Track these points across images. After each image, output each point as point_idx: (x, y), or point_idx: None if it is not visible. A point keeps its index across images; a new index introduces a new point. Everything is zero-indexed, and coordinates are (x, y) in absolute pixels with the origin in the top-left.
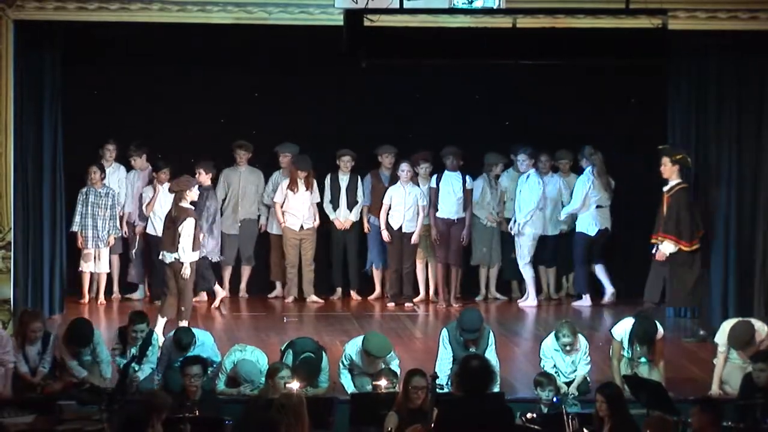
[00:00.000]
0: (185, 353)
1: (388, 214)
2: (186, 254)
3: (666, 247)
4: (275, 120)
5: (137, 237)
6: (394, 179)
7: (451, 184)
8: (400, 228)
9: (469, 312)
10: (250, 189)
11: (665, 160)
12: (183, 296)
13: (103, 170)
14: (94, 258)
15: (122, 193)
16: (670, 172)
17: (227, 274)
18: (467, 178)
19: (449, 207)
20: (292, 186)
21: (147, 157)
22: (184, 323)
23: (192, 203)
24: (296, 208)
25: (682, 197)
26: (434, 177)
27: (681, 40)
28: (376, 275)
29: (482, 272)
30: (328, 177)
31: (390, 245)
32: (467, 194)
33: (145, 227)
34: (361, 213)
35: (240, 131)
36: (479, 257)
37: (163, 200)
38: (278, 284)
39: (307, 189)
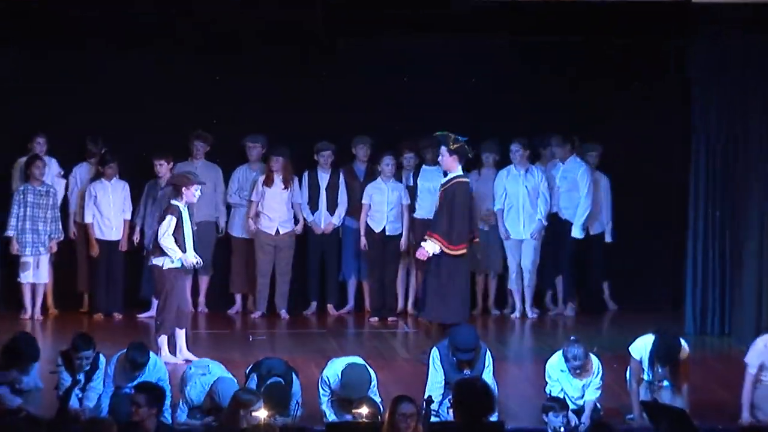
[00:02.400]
0: (137, 375)
1: (367, 215)
2: (164, 258)
3: (429, 246)
4: (238, 108)
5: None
6: (370, 175)
7: (431, 180)
8: (383, 231)
9: (462, 329)
10: (207, 187)
11: (442, 149)
12: (160, 306)
13: (44, 164)
14: (33, 266)
15: (59, 192)
16: (449, 163)
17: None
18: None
19: (429, 206)
20: (268, 181)
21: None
22: (162, 339)
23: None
24: (272, 208)
25: (458, 192)
26: (410, 174)
27: (705, 14)
28: (351, 286)
29: (478, 281)
30: (305, 175)
31: (370, 252)
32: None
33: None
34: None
35: (197, 120)
36: (472, 264)
37: (112, 199)
38: (238, 297)
39: (285, 186)
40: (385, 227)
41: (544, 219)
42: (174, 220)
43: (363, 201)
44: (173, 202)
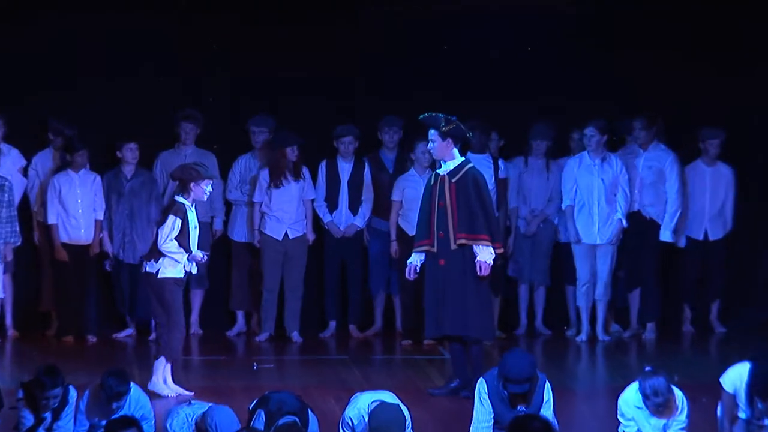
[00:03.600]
0: (114, 408)
1: (399, 215)
2: (163, 265)
3: (486, 254)
4: (239, 84)
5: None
6: (401, 165)
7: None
8: None
9: (514, 354)
10: None
11: (432, 134)
12: (161, 324)
13: None
14: None
15: (18, 186)
16: (442, 149)
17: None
18: (500, 163)
19: None
20: (276, 176)
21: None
22: (160, 365)
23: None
24: (280, 208)
25: (481, 181)
26: None
27: None
28: (378, 303)
29: (522, 294)
30: (322, 165)
31: (402, 260)
32: (501, 186)
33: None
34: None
35: (186, 98)
36: (519, 272)
37: (80, 194)
38: (240, 316)
39: (296, 179)
40: None
41: (624, 219)
42: (178, 222)
43: (393, 197)
44: (178, 199)
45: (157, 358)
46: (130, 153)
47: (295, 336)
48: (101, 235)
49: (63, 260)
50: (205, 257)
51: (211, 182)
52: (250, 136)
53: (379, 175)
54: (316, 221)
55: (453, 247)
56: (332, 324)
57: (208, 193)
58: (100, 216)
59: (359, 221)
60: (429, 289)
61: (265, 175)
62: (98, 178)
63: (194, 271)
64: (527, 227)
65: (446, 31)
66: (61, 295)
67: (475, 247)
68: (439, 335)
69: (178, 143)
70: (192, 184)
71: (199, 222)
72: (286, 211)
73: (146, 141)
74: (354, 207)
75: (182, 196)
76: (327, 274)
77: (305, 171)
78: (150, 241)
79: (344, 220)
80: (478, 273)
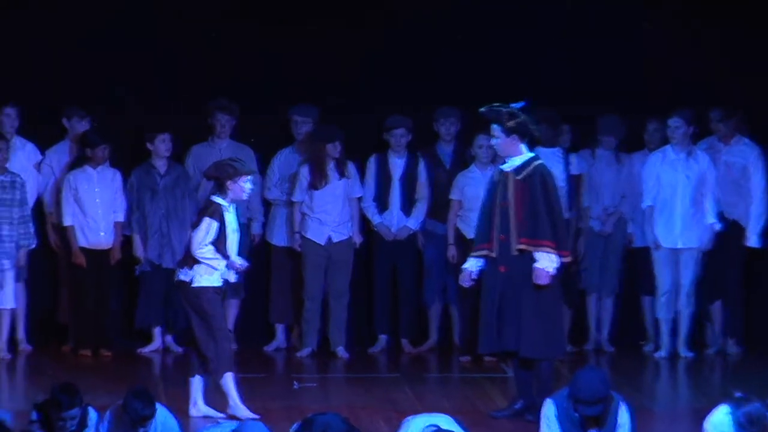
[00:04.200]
0: (140, 431)
1: (457, 216)
2: (198, 272)
3: (547, 261)
4: (277, 69)
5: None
6: (460, 160)
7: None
8: None
9: (587, 373)
10: None
11: (495, 129)
12: (202, 339)
13: (8, 146)
14: None
15: (33, 184)
16: (507, 146)
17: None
18: (573, 157)
19: None
20: (318, 173)
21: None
22: (227, 380)
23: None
24: (323, 209)
25: (548, 179)
26: None
27: None
28: (434, 314)
29: (590, 304)
30: (372, 161)
31: (461, 266)
32: (575, 183)
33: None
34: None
35: (220, 86)
36: (587, 280)
37: (99, 192)
38: (280, 329)
39: (340, 176)
40: None
41: (717, 222)
42: (215, 225)
43: (451, 196)
44: (215, 199)
45: (192, 376)
46: (163, 145)
47: (341, 351)
48: (130, 237)
49: (81, 265)
50: (245, 264)
51: (251, 178)
52: (291, 126)
53: (435, 172)
54: (364, 223)
55: (514, 252)
56: (382, 338)
57: (249, 191)
58: (121, 217)
59: (413, 223)
60: (487, 299)
61: (305, 171)
62: (118, 174)
63: (233, 279)
64: (602, 226)
65: (505, 14)
66: (77, 305)
67: (535, 253)
68: (496, 350)
69: (211, 136)
70: (229, 182)
71: None
72: (329, 212)
73: (175, 133)
74: (407, 207)
75: (219, 196)
76: (376, 282)
77: (351, 167)
78: (185, 244)
79: (396, 222)
80: (535, 281)
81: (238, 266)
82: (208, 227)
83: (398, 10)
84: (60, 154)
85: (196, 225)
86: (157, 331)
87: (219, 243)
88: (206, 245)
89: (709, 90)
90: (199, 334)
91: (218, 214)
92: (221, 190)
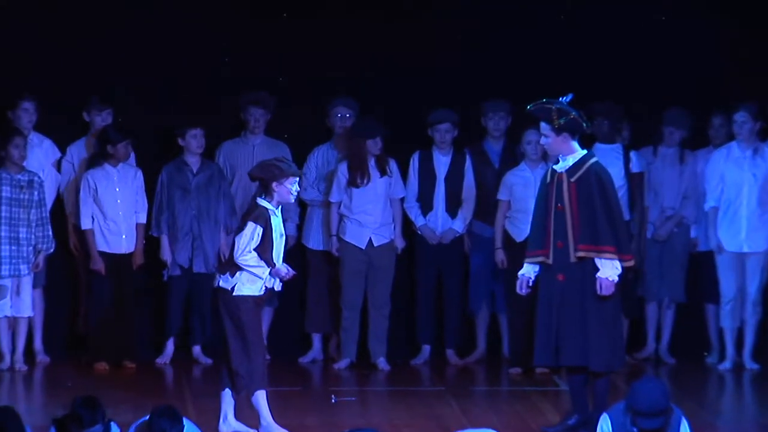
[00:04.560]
0: None
1: (506, 217)
2: (240, 280)
3: (610, 269)
4: (313, 59)
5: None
6: (510, 158)
7: (607, 165)
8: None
9: (646, 384)
10: None
11: (544, 128)
12: (235, 351)
13: (25, 142)
14: (12, 292)
15: (51, 183)
16: (557, 145)
17: None
18: (632, 155)
19: None
20: (357, 172)
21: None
22: (260, 398)
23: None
24: (363, 210)
25: (605, 178)
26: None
27: None
28: (482, 323)
29: (650, 312)
30: (415, 158)
31: (511, 272)
32: (635, 182)
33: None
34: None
35: (253, 77)
36: (646, 287)
37: (120, 193)
38: (316, 339)
39: (381, 175)
40: None
41: None
42: (259, 230)
43: (499, 196)
44: (260, 203)
45: (222, 390)
46: (195, 141)
47: (382, 363)
48: (154, 240)
49: (99, 271)
50: (291, 273)
51: (297, 180)
52: (330, 120)
53: (482, 170)
54: (407, 225)
55: (573, 259)
56: (426, 348)
57: (295, 194)
58: (143, 219)
59: (458, 225)
60: (542, 308)
61: (344, 169)
62: (140, 173)
63: (277, 287)
64: (656, 231)
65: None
66: (97, 314)
67: (597, 260)
68: (554, 364)
69: (244, 131)
70: (274, 184)
71: None
72: (369, 213)
73: (204, 128)
74: (452, 208)
75: (264, 198)
76: (419, 289)
77: (393, 165)
78: (218, 247)
79: (441, 224)
80: (598, 292)
81: (283, 274)
82: (252, 232)
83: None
84: (82, 149)
85: (239, 229)
86: (170, 341)
87: (263, 249)
88: (250, 252)
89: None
90: (233, 346)
91: (263, 219)
92: (266, 192)
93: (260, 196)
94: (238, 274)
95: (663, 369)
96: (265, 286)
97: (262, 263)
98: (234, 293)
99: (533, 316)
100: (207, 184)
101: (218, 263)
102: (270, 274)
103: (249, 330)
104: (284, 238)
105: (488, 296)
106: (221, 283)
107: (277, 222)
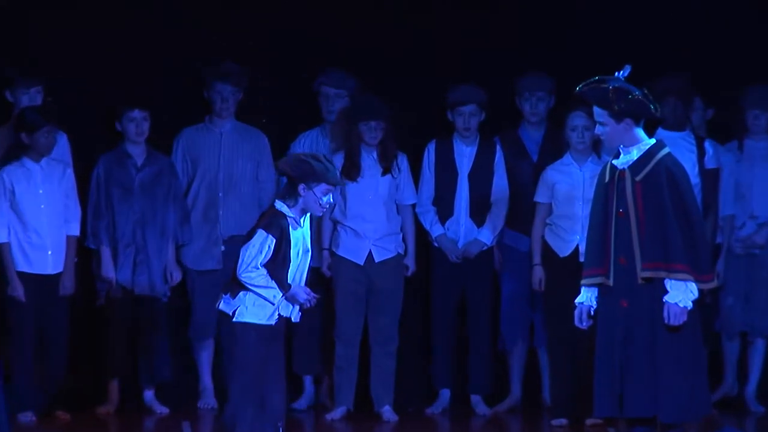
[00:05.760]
0: None
1: (546, 225)
2: (244, 303)
3: (681, 292)
4: (296, 28)
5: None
6: (550, 148)
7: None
8: (577, 254)
9: None
10: (243, 168)
11: (600, 115)
12: (231, 396)
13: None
14: None
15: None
16: (618, 135)
17: (204, 356)
18: (707, 146)
19: None
20: (351, 165)
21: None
22: None
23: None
24: (360, 214)
25: (678, 175)
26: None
27: None
28: (516, 361)
29: (729, 346)
30: (429, 149)
31: (552, 295)
32: (709, 179)
33: None
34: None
35: (218, 45)
36: (725, 316)
37: (44, 196)
38: (307, 381)
39: (384, 172)
40: (579, 247)
41: None
42: (271, 241)
43: (537, 198)
44: (278, 207)
45: None
46: (133, 126)
47: (387, 413)
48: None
49: (18, 298)
50: (314, 298)
51: (333, 193)
52: (319, 102)
53: (517, 164)
54: (421, 236)
55: (639, 280)
56: (445, 394)
57: (326, 207)
58: (75, 230)
59: (486, 236)
60: (604, 344)
61: (337, 163)
62: (70, 170)
63: (295, 317)
64: (744, 242)
65: None
66: (17, 352)
67: (666, 281)
68: (617, 415)
69: (210, 115)
70: (302, 187)
71: (239, 235)
72: (369, 219)
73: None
74: (478, 214)
75: (285, 202)
76: (436, 318)
77: (402, 160)
78: (164, 264)
79: (464, 234)
80: (666, 321)
81: (303, 299)
82: (261, 244)
83: None
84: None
85: (247, 238)
86: (114, 384)
87: (275, 266)
88: (257, 268)
89: None
90: (231, 387)
91: (278, 228)
92: (290, 194)
93: (281, 199)
94: (241, 294)
95: (749, 420)
96: (279, 314)
97: (273, 284)
98: (234, 319)
99: (590, 354)
100: (153, 183)
101: (224, 284)
102: (285, 298)
103: (241, 368)
104: (308, 255)
105: (525, 328)
106: (221, 306)
107: (298, 235)
